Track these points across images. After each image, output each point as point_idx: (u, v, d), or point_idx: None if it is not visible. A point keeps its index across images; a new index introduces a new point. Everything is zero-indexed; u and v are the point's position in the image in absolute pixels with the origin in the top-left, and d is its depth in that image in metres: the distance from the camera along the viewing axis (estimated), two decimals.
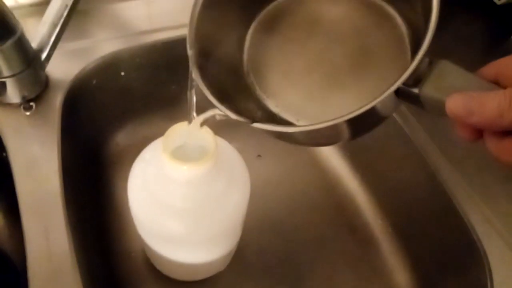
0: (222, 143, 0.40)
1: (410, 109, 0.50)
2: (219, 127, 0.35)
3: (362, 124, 0.28)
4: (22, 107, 0.44)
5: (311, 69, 0.33)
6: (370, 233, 0.54)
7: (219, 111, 0.30)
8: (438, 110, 0.25)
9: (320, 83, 0.33)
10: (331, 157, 0.60)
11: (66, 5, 0.43)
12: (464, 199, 0.43)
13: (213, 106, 0.29)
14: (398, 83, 0.24)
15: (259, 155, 0.60)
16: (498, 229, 0.41)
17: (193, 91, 0.31)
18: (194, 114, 0.32)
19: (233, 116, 0.29)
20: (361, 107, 0.25)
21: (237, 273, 0.50)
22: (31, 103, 0.44)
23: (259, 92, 0.34)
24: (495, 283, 0.38)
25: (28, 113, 0.43)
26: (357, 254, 0.53)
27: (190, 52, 0.30)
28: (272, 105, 0.33)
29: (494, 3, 0.55)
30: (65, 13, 0.43)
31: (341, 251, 0.53)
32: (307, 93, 0.33)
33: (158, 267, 0.47)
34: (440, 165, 0.45)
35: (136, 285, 0.48)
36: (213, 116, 0.31)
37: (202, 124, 0.32)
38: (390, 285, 0.50)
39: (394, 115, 0.50)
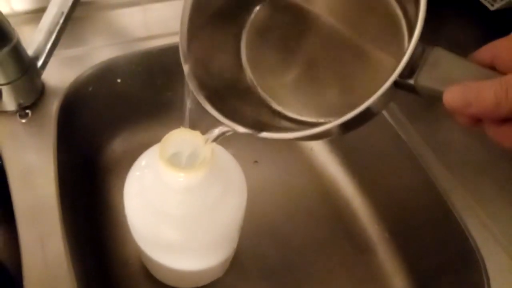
0: (218, 149, 0.40)
1: (406, 115, 0.50)
2: None
3: (360, 118, 0.27)
4: (17, 114, 0.43)
5: (309, 64, 0.33)
6: (367, 238, 0.54)
7: (223, 129, 0.30)
8: (434, 98, 0.25)
9: (320, 77, 0.33)
10: (328, 163, 0.60)
11: (62, 13, 0.43)
12: (460, 204, 0.43)
13: (216, 120, 0.29)
14: (392, 79, 0.24)
15: (255, 161, 0.60)
16: (495, 234, 0.41)
17: (188, 103, 0.31)
18: (208, 135, 0.32)
19: (240, 129, 0.29)
20: (359, 106, 0.24)
21: (235, 279, 0.49)
22: (27, 111, 0.44)
23: (261, 92, 0.34)
24: (492, 287, 0.38)
25: (24, 121, 0.43)
26: (354, 259, 0.53)
27: (185, 66, 0.30)
28: (275, 104, 0.34)
29: (488, 9, 0.56)
30: (61, 21, 0.43)
31: (338, 256, 0.53)
32: (308, 88, 0.33)
33: (155, 274, 0.47)
34: (436, 170, 0.46)
35: None
36: (223, 134, 0.31)
37: (214, 141, 0.32)
38: None
39: (390, 120, 0.50)
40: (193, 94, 0.30)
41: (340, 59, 0.32)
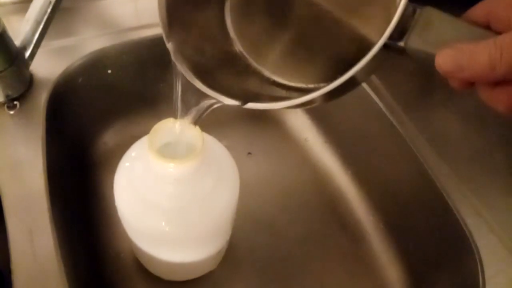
0: (210, 140, 0.40)
1: (400, 105, 0.50)
2: (209, 125, 0.34)
3: (351, 82, 0.26)
4: (5, 106, 0.43)
5: (297, 30, 0.32)
6: (361, 229, 0.54)
7: (209, 101, 0.29)
8: (426, 62, 0.24)
9: (309, 43, 0.32)
10: (322, 153, 0.60)
11: (50, 2, 0.42)
12: (455, 194, 0.43)
13: (198, 97, 0.29)
14: (381, 41, 0.23)
15: (249, 153, 0.60)
16: (489, 222, 0.41)
17: (179, 85, 0.30)
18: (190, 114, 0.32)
19: (225, 100, 0.28)
20: (350, 70, 0.23)
21: (229, 271, 0.49)
22: (15, 102, 0.43)
23: (250, 61, 0.33)
24: (486, 276, 0.38)
25: (12, 112, 0.43)
26: (348, 250, 0.52)
27: (169, 45, 0.29)
28: (265, 71, 0.33)
29: None
30: (49, 10, 0.42)
31: (333, 247, 0.53)
32: (297, 54, 0.32)
33: (148, 267, 0.46)
34: (431, 160, 0.45)
35: (125, 286, 0.47)
36: (208, 108, 0.30)
37: (196, 119, 0.32)
38: (382, 280, 0.50)
39: (385, 110, 0.49)
40: (182, 75, 0.29)
41: (328, 23, 0.31)
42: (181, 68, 0.29)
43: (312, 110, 0.62)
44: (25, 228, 0.36)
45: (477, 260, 0.39)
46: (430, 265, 0.46)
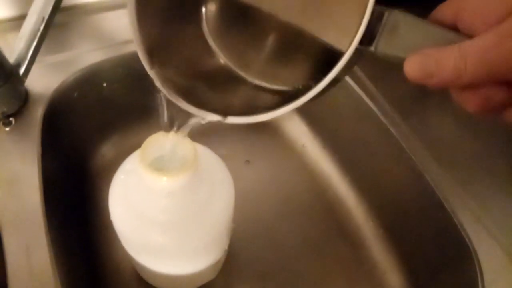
0: (203, 150, 0.40)
1: (397, 110, 0.49)
2: (206, 133, 0.34)
3: (327, 88, 0.25)
4: (1, 122, 0.43)
5: (275, 33, 0.32)
6: (361, 235, 0.54)
7: (197, 119, 0.29)
8: (398, 65, 0.23)
9: (287, 46, 0.31)
10: (320, 160, 0.60)
11: (43, 18, 0.42)
12: (453, 198, 0.43)
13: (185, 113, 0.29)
14: (350, 51, 0.22)
15: (247, 161, 0.60)
16: (488, 227, 0.41)
17: (164, 103, 0.30)
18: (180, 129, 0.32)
19: (207, 116, 0.28)
20: (322, 80, 0.23)
21: (228, 280, 0.49)
22: (11, 119, 0.43)
23: (234, 69, 0.33)
24: (485, 282, 0.38)
25: (7, 129, 0.43)
26: (349, 257, 0.52)
27: (151, 72, 0.29)
28: (253, 79, 0.33)
29: None
30: (42, 27, 0.42)
31: (333, 254, 0.52)
32: (279, 57, 0.32)
33: (147, 279, 0.46)
34: (429, 165, 0.45)
35: None
36: (197, 123, 0.30)
37: (186, 135, 0.32)
38: (382, 286, 0.50)
39: (381, 117, 0.49)
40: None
41: (302, 25, 0.30)
42: (167, 92, 0.29)
43: (308, 116, 0.62)
44: (22, 244, 0.36)
45: (476, 265, 0.39)
46: (430, 270, 0.46)
